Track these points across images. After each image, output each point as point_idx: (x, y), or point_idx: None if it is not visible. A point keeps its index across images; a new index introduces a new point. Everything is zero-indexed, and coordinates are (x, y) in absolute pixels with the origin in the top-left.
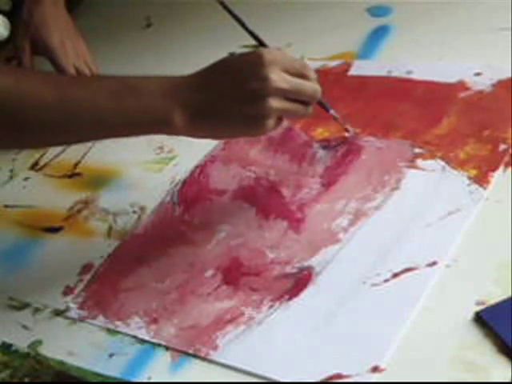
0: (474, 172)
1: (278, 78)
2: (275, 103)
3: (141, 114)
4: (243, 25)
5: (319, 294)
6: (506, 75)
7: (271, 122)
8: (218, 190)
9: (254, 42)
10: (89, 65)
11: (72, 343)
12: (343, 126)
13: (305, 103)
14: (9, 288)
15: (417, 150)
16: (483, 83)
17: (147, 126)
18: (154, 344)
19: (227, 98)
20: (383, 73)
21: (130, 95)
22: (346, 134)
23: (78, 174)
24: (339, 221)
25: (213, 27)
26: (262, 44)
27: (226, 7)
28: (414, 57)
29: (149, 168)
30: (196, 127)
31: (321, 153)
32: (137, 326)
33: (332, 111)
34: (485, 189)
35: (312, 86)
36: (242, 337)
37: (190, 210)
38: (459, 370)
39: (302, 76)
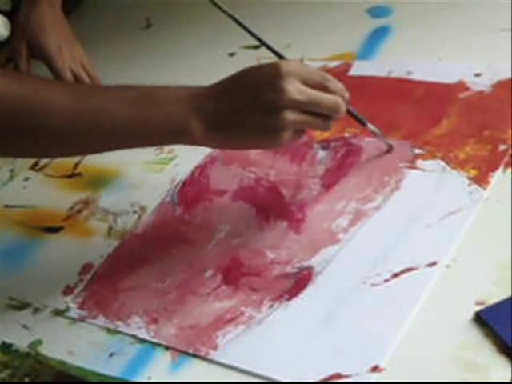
0: (473, 172)
1: (295, 90)
2: (291, 115)
3: (159, 124)
4: (258, 39)
5: (319, 294)
6: (505, 76)
7: (287, 134)
8: (218, 190)
9: (253, 43)
10: (86, 68)
11: (72, 343)
12: (385, 142)
13: (326, 116)
14: (9, 288)
15: (417, 151)
16: (483, 84)
17: (166, 135)
18: (154, 344)
19: (244, 108)
20: (383, 73)
21: (148, 105)
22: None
23: (78, 174)
24: (339, 221)
25: (213, 28)
26: (280, 56)
27: (240, 24)
28: (414, 57)
29: (149, 168)
30: (213, 137)
31: (321, 154)
32: (137, 326)
33: (370, 126)
34: (485, 189)
35: (332, 99)
36: (241, 337)
37: (190, 210)
38: (459, 369)
39: (323, 88)
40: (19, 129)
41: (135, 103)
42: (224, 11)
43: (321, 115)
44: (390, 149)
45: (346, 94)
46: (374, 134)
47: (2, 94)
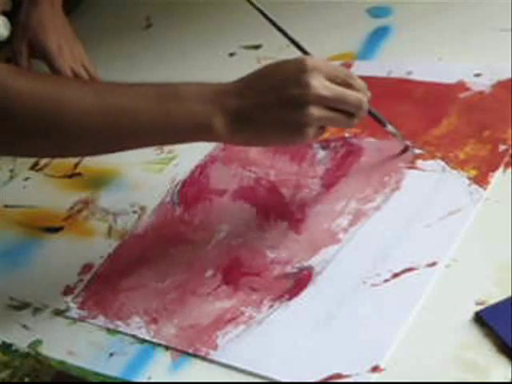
0: (473, 172)
1: (320, 85)
2: (316, 111)
3: (182, 120)
4: (284, 33)
5: (319, 294)
6: (506, 76)
7: (312, 130)
8: (218, 190)
9: (253, 43)
10: (86, 68)
11: (72, 343)
12: (404, 143)
13: (350, 114)
14: (9, 288)
15: (417, 151)
16: (483, 84)
17: (188, 132)
18: (154, 344)
19: (269, 104)
20: (383, 73)
21: (171, 101)
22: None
23: (78, 174)
24: (339, 221)
25: (213, 27)
26: (304, 52)
27: (265, 15)
28: (414, 57)
29: (149, 168)
30: (237, 134)
31: (321, 153)
32: (137, 326)
33: (389, 127)
34: (485, 189)
35: (356, 96)
36: (242, 337)
37: (190, 210)
38: (459, 370)
39: (347, 85)
40: (38, 128)
41: (157, 101)
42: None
43: (344, 112)
44: (405, 149)
45: (368, 93)
46: (393, 135)
47: (20, 92)
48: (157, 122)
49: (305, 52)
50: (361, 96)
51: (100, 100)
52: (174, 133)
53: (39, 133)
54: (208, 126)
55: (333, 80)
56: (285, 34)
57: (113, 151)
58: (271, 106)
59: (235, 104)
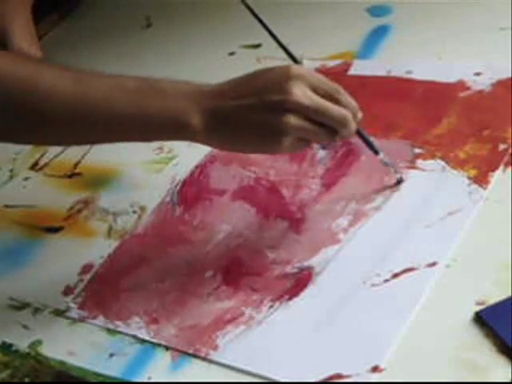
0: (473, 172)
1: (301, 94)
2: (293, 119)
3: (158, 116)
4: (275, 38)
5: (319, 293)
6: (505, 75)
7: (288, 139)
8: (218, 190)
9: (253, 43)
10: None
11: (72, 343)
12: (395, 173)
13: (333, 130)
14: (9, 288)
15: (417, 150)
16: (483, 83)
17: (164, 128)
18: (154, 344)
19: (246, 106)
20: (383, 73)
21: (149, 96)
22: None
23: (78, 174)
24: (339, 221)
25: (213, 27)
26: (294, 60)
27: (260, 20)
28: (414, 57)
29: (149, 168)
30: (213, 133)
31: (321, 153)
32: (137, 326)
33: (382, 155)
34: (485, 189)
35: (339, 111)
36: (241, 337)
37: (190, 210)
38: (459, 369)
39: (333, 100)
40: (16, 112)
41: (135, 94)
42: (250, 10)
43: (327, 128)
44: (399, 182)
45: (359, 114)
46: (385, 164)
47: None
48: (133, 115)
49: (294, 60)
50: (345, 112)
51: (77, 87)
52: (150, 128)
53: (15, 116)
54: (184, 123)
55: (318, 91)
56: (276, 41)
57: (91, 142)
58: (250, 109)
59: (214, 104)
